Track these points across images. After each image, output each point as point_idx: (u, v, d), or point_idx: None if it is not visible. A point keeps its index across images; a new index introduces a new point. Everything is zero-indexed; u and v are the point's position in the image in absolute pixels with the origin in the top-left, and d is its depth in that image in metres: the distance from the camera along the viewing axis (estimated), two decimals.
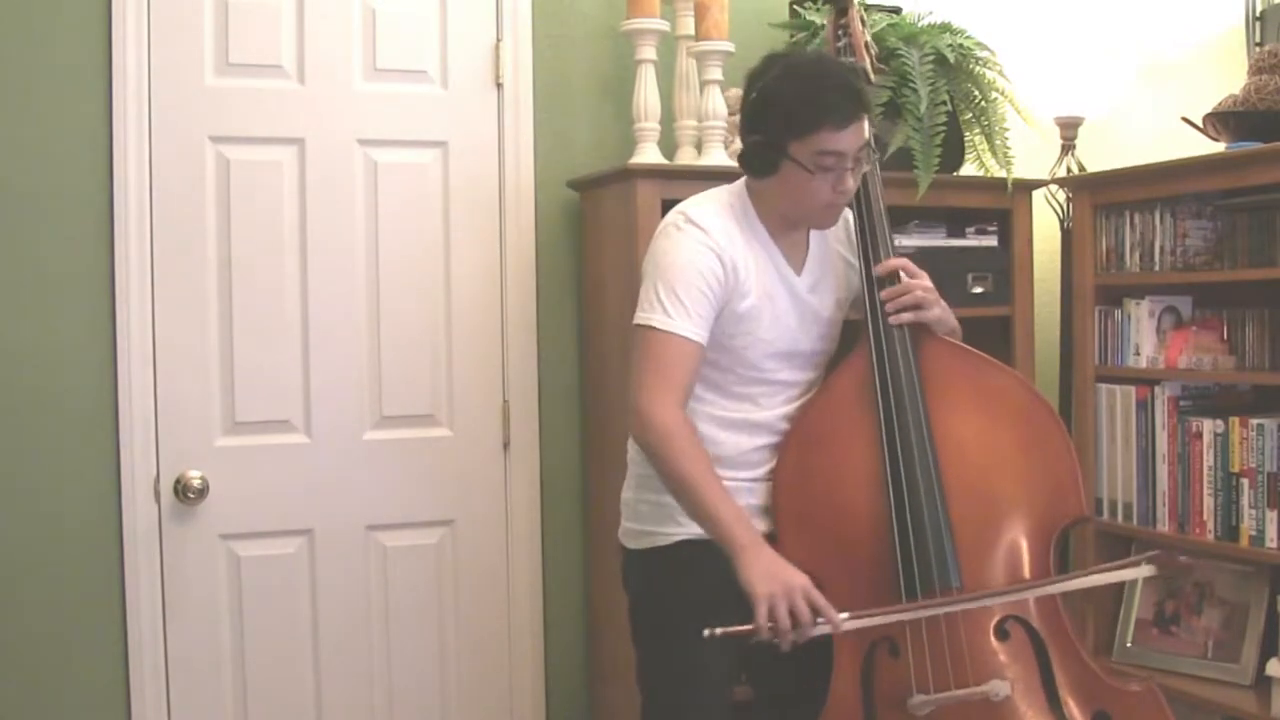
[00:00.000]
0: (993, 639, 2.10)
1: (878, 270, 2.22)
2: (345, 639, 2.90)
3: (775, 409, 2.23)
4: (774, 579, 1.92)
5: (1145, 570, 2.10)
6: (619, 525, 2.32)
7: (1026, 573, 2.14)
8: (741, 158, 2.16)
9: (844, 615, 1.96)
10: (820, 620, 1.93)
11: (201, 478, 2.76)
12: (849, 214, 2.31)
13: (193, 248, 2.76)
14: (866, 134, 2.12)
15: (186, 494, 2.74)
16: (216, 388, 2.79)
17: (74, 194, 2.67)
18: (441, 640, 2.99)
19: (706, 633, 1.92)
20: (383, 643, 2.93)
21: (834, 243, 2.30)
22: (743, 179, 2.24)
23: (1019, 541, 2.15)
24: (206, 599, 2.79)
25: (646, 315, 2.09)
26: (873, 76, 2.39)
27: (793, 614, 1.91)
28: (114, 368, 2.70)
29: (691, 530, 2.13)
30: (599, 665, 3.04)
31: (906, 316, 2.19)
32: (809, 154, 2.07)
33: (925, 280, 2.23)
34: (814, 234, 2.26)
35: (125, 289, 2.70)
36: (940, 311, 2.24)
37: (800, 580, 1.94)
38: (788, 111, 2.07)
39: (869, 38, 2.41)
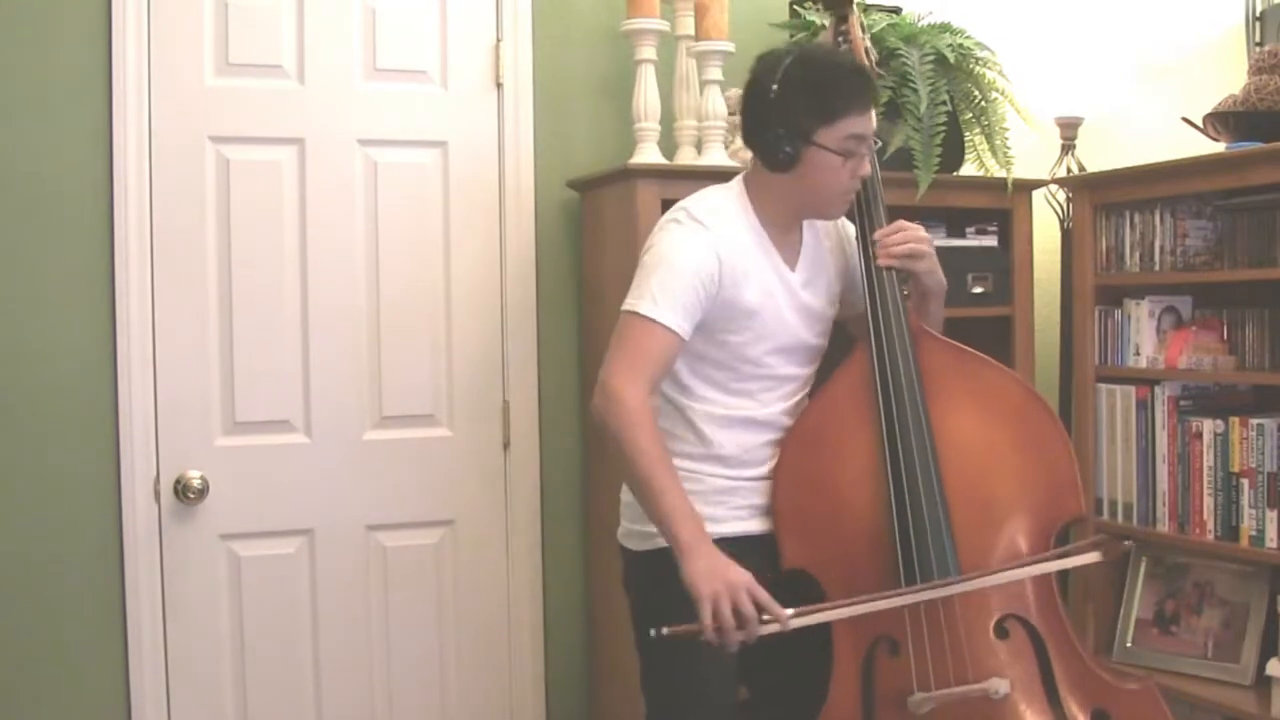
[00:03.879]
0: (992, 637, 2.11)
1: (878, 233, 2.23)
2: (345, 639, 2.90)
3: (774, 404, 2.23)
4: (715, 577, 1.90)
5: (1093, 556, 2.08)
6: (618, 526, 2.32)
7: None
8: (764, 153, 2.16)
9: (790, 612, 1.94)
10: (766, 618, 1.92)
11: (201, 478, 2.75)
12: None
13: (193, 248, 2.75)
14: (875, 121, 2.17)
15: (186, 494, 2.74)
16: (216, 387, 2.78)
17: (74, 194, 2.67)
18: (441, 640, 2.98)
19: (653, 632, 1.92)
20: (383, 643, 2.93)
21: (824, 239, 2.31)
22: (739, 177, 2.25)
23: (1017, 540, 2.16)
24: (206, 599, 2.79)
25: (634, 302, 2.09)
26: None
27: (738, 613, 1.90)
28: (114, 368, 2.69)
29: None
30: (599, 665, 3.04)
31: (896, 255, 2.21)
32: (837, 139, 2.10)
33: (921, 231, 2.25)
34: (807, 232, 2.27)
35: (125, 289, 2.69)
36: (930, 263, 2.25)
37: (743, 578, 1.92)
38: (815, 99, 2.10)
39: (869, 43, 2.42)
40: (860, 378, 2.21)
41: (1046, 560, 2.10)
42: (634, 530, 2.25)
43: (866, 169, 2.17)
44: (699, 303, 2.10)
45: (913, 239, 2.23)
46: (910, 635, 2.10)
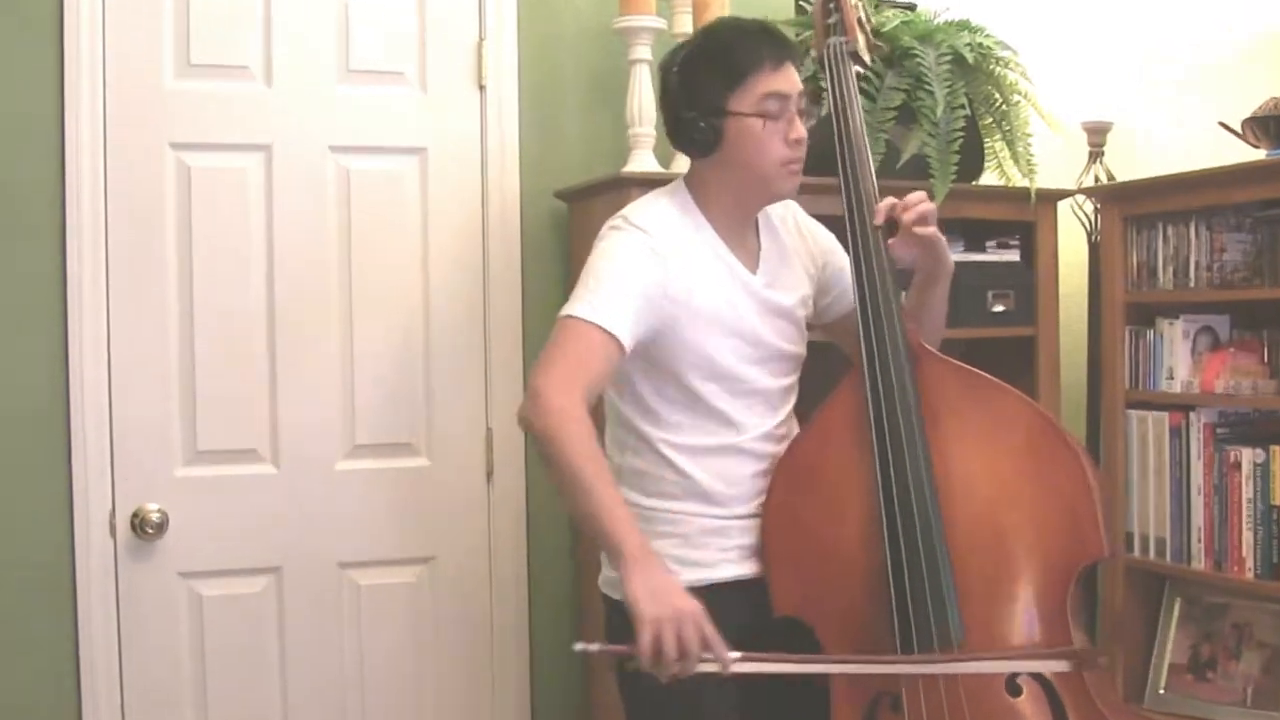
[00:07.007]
0: (1005, 695, 2.00)
1: (875, 219, 2.16)
2: (316, 685, 2.84)
3: (755, 427, 2.15)
4: (664, 602, 1.81)
5: (1062, 665, 2.01)
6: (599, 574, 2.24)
7: (1039, 622, 2.03)
8: (686, 141, 2.14)
9: (735, 655, 1.84)
10: (707, 656, 1.82)
11: (160, 511, 2.71)
12: (804, 221, 2.29)
13: (151, 263, 2.72)
14: (800, 82, 2.13)
15: (144, 528, 2.69)
16: (177, 414, 2.74)
17: (23, 205, 2.62)
18: (420, 687, 2.92)
19: (579, 647, 1.83)
20: (356, 689, 2.87)
21: (785, 237, 2.25)
22: (679, 180, 2.22)
23: (1032, 587, 2.05)
24: (166, 642, 2.74)
25: (569, 306, 2.02)
26: (866, 57, 2.33)
27: (680, 644, 1.79)
28: (66, 393, 2.65)
29: (684, 576, 2.02)
30: (590, 712, 2.97)
31: (928, 230, 2.14)
32: (752, 102, 2.07)
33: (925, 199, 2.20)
34: (764, 233, 2.22)
35: (79, 307, 2.65)
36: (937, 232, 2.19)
37: (692, 607, 1.82)
38: (715, 67, 2.10)
39: (863, 14, 2.35)
40: (855, 406, 2.12)
41: (1027, 658, 2.01)
42: (614, 578, 2.13)
43: (800, 131, 2.10)
44: (642, 309, 2.03)
45: (925, 204, 2.16)
46: (912, 694, 2.00)
